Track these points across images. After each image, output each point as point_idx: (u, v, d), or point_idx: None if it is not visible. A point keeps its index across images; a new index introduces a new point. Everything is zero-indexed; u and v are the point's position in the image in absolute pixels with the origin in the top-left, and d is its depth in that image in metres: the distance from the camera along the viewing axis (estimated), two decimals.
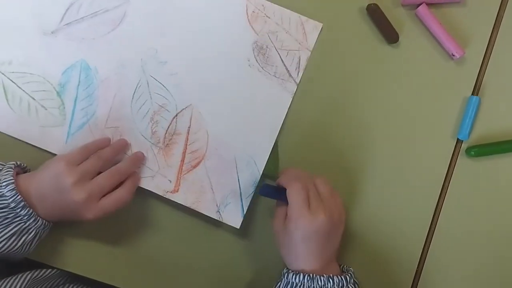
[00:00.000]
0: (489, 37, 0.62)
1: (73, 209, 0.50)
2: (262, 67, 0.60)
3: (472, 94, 0.61)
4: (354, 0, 0.61)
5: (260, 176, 0.58)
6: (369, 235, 0.59)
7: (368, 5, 0.61)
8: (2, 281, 0.47)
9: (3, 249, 0.47)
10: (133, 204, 0.56)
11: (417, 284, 0.59)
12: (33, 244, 0.50)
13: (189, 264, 0.58)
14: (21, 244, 0.49)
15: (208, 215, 0.57)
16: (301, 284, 0.48)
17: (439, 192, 0.60)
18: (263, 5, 0.60)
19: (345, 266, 0.52)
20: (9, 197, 0.48)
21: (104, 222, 0.56)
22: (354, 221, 0.59)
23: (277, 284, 0.51)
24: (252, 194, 0.58)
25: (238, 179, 0.58)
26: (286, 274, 0.50)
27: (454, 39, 0.60)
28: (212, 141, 0.59)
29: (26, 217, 0.48)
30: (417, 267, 0.59)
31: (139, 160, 0.57)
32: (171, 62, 0.59)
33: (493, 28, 0.62)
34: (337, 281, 0.48)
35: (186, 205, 0.57)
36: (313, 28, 0.60)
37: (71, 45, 0.59)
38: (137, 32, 0.60)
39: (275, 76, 0.60)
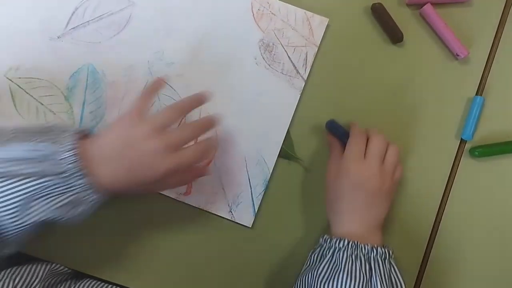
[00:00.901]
0: (493, 37, 0.62)
1: (145, 162, 0.47)
2: (269, 65, 0.60)
3: (476, 94, 0.61)
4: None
5: (269, 175, 0.58)
6: None
7: (373, 4, 0.60)
8: (26, 266, 0.46)
9: (53, 216, 0.45)
10: (140, 203, 0.57)
11: (419, 286, 0.59)
12: (83, 216, 0.48)
13: (199, 262, 0.58)
14: (71, 214, 0.46)
15: (221, 216, 0.57)
16: (345, 249, 0.49)
17: (443, 192, 0.60)
18: (268, 3, 0.60)
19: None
20: (67, 163, 0.44)
21: (112, 222, 0.57)
22: None
23: (316, 250, 0.51)
24: (263, 192, 0.58)
25: (249, 178, 0.58)
26: (328, 240, 0.50)
27: (459, 39, 0.60)
28: (221, 141, 0.59)
29: (83, 187, 0.45)
30: (420, 268, 0.59)
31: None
32: (178, 63, 0.59)
33: (498, 28, 0.62)
34: (381, 252, 0.49)
35: (200, 207, 0.57)
36: (319, 23, 0.60)
37: (78, 49, 0.59)
38: (143, 34, 0.60)
39: (283, 73, 0.60)
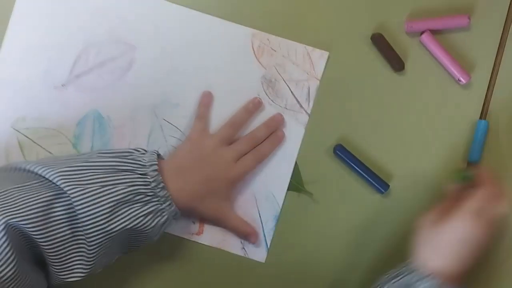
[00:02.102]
0: (493, 60, 0.62)
1: (217, 171, 0.55)
2: (272, 100, 0.61)
3: (480, 118, 0.61)
4: (358, 30, 0.61)
5: (280, 210, 0.59)
6: (382, 263, 0.60)
7: (373, 34, 0.61)
8: None
9: (139, 225, 0.49)
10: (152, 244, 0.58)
11: None
12: (162, 229, 0.52)
13: None
14: (154, 225, 0.50)
15: (234, 253, 0.59)
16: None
17: None
18: (268, 39, 0.61)
19: None
20: (151, 176, 0.50)
21: (125, 261, 0.57)
22: (364, 249, 0.60)
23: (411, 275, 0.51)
24: (274, 227, 0.59)
25: (259, 214, 0.59)
26: (421, 272, 0.50)
27: (460, 65, 0.60)
28: None
29: (163, 199, 0.50)
30: None
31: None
32: (182, 104, 0.60)
33: (497, 51, 0.62)
34: None
35: (213, 246, 0.58)
36: (319, 57, 0.61)
37: (82, 96, 0.59)
38: (146, 77, 0.60)
39: (286, 108, 0.61)
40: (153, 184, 0.50)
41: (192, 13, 0.60)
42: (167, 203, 0.50)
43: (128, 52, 0.60)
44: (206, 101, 0.60)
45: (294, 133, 0.60)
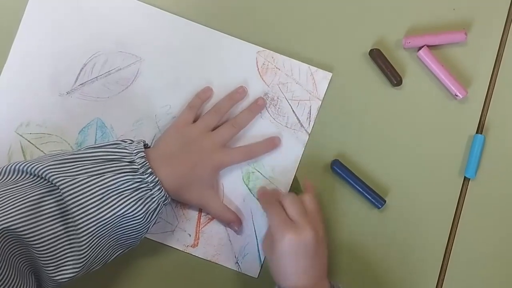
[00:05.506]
0: (490, 75, 0.63)
1: (201, 157, 0.56)
2: (274, 118, 0.61)
3: (477, 132, 0.63)
4: (357, 46, 0.62)
5: None
6: (378, 277, 0.61)
7: (371, 50, 0.62)
8: None
9: (129, 212, 0.49)
10: (147, 255, 0.59)
11: None
12: (153, 217, 0.52)
13: None
14: (144, 211, 0.50)
15: (228, 267, 0.59)
16: None
17: (449, 230, 0.62)
18: (272, 57, 0.62)
19: (331, 282, 0.54)
20: (138, 163, 0.51)
21: (119, 273, 0.59)
22: (362, 263, 0.61)
23: None
24: None
25: (255, 229, 0.60)
26: None
27: (457, 80, 0.61)
28: (227, 193, 0.60)
29: (152, 184, 0.50)
30: None
31: (260, 109, 0.61)
32: None
33: (494, 67, 0.63)
34: None
35: (207, 259, 0.59)
36: (322, 77, 0.62)
37: (86, 104, 0.60)
38: (150, 88, 0.61)
39: (287, 127, 0.61)
40: (141, 171, 0.50)
41: (199, 28, 0.61)
42: (156, 188, 0.51)
43: (135, 63, 0.61)
44: (203, 95, 0.60)
45: (293, 152, 0.61)
